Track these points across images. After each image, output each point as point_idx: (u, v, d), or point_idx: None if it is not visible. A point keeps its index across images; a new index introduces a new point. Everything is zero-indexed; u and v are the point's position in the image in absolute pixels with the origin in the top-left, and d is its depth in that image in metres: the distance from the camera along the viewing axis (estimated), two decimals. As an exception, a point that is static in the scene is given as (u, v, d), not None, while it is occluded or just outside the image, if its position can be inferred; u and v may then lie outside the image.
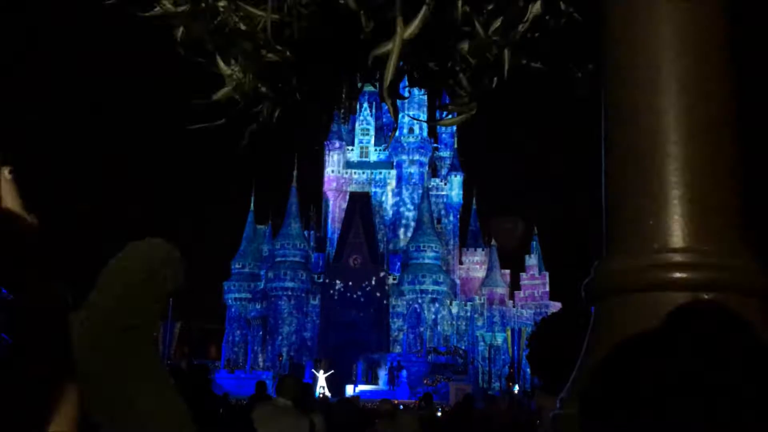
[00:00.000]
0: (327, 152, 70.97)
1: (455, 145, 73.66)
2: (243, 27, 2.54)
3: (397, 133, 69.42)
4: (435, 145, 73.66)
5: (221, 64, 2.72)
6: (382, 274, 64.17)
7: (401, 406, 20.91)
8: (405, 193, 70.00)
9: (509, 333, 54.13)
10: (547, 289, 68.44)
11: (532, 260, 69.90)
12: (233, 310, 69.27)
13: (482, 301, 66.93)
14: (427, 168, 71.17)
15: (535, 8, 2.57)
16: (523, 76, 3.34)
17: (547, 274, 69.22)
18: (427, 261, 63.86)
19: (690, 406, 2.62)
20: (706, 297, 2.88)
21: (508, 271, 69.91)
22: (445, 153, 74.38)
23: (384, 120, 72.64)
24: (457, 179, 71.56)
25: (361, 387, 52.85)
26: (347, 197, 69.15)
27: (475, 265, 70.38)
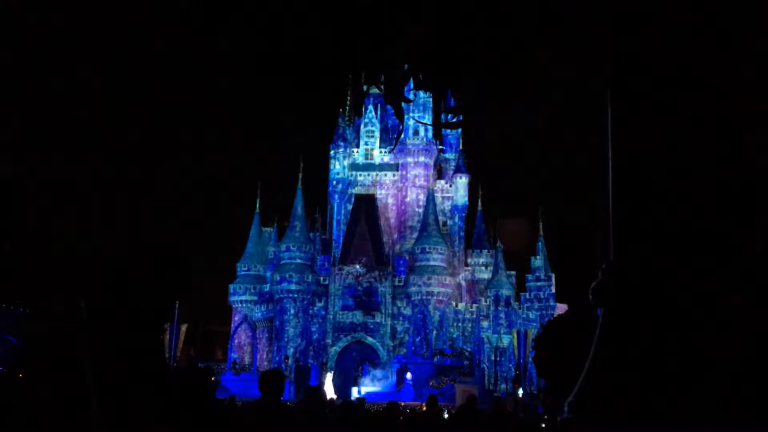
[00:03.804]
0: (332, 154, 70.99)
1: (460, 147, 73.56)
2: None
3: (402, 135, 69.43)
4: (440, 147, 73.59)
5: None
6: (387, 276, 64.10)
7: (407, 409, 20.89)
8: (410, 195, 69.94)
9: (515, 335, 53.94)
10: (553, 290, 68.21)
11: (537, 262, 69.71)
12: (239, 312, 69.30)
13: (488, 302, 66.77)
14: (432, 170, 71.10)
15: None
16: (529, 75, 3.33)
17: (553, 275, 69.01)
18: (432, 263, 63.77)
19: (695, 405, 2.62)
20: (708, 302, 2.87)
21: (513, 273, 69.71)
22: (451, 155, 74.27)
23: (389, 122, 72.59)
24: (462, 181, 71.43)
25: (367, 389, 52.78)
26: (352, 199, 69.12)
27: (480, 266, 70.18)
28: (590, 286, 3.15)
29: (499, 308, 66.47)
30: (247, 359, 66.11)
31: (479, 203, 73.26)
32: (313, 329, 64.26)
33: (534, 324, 60.41)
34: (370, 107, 71.63)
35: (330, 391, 48.64)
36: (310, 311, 64.59)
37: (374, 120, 71.95)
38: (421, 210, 67.97)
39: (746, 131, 2.81)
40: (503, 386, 58.86)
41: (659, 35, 2.90)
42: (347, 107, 73.01)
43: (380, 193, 70.39)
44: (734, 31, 2.84)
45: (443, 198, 71.19)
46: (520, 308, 67.63)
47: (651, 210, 2.93)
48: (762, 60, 2.84)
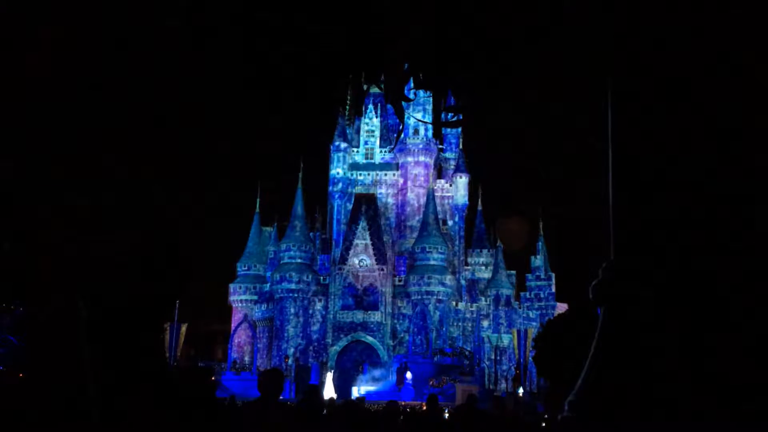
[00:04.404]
0: (332, 154, 70.98)
1: (460, 146, 73.56)
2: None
3: (402, 135, 69.40)
4: (440, 146, 73.59)
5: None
6: (387, 275, 64.12)
7: (407, 408, 20.90)
8: (410, 195, 69.95)
9: (515, 334, 53.94)
10: (553, 290, 68.26)
11: (537, 261, 69.74)
12: (239, 311, 69.32)
13: (488, 302, 66.80)
14: (432, 169, 71.10)
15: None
16: (530, 73, 3.33)
17: (553, 275, 69.05)
18: (432, 262, 63.79)
19: (695, 405, 2.62)
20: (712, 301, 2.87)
21: (513, 272, 69.76)
22: (451, 154, 74.29)
23: (389, 121, 72.60)
24: (462, 180, 71.43)
25: (367, 388, 52.80)
26: (352, 199, 69.12)
27: (480, 266, 70.18)
28: (590, 284, 3.15)
29: (500, 308, 66.50)
30: (247, 359, 66.14)
31: (479, 202, 73.28)
32: (313, 329, 64.27)
33: (534, 323, 60.45)
34: (371, 106, 71.64)
35: (330, 391, 48.63)
36: (310, 311, 64.60)
37: (374, 119, 71.96)
38: (421, 209, 67.99)
39: (746, 131, 2.81)
40: (503, 385, 58.86)
41: (659, 35, 2.91)
42: (347, 107, 72.99)
43: (380, 193, 70.38)
44: (734, 31, 2.84)
45: (443, 197, 71.19)
46: (520, 308, 67.66)
47: (651, 209, 2.93)
48: (762, 59, 2.84)
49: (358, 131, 72.64)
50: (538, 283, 68.84)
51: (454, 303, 65.99)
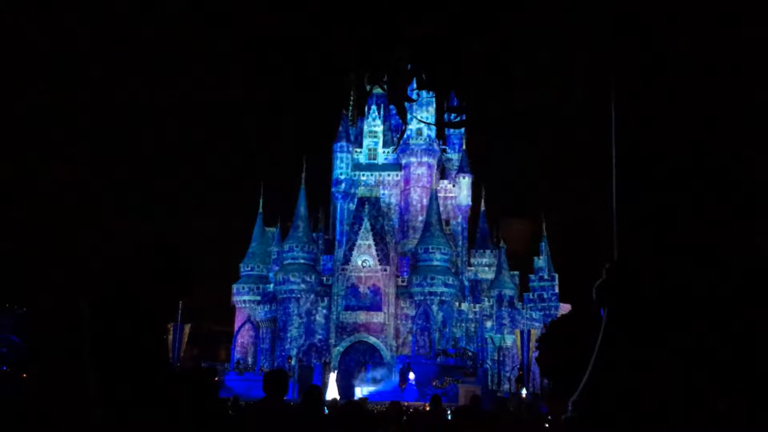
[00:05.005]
0: (335, 154, 71.00)
1: (463, 147, 73.53)
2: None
3: (405, 136, 69.41)
4: (443, 147, 73.59)
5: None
6: (390, 276, 64.11)
7: (410, 409, 20.88)
8: (413, 195, 69.95)
9: (518, 335, 53.94)
10: (556, 291, 68.20)
11: (541, 262, 69.70)
12: (242, 312, 69.37)
13: (491, 302, 66.77)
14: (435, 170, 71.09)
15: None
16: (531, 74, 3.33)
17: (556, 276, 69.00)
18: (435, 263, 63.78)
19: (698, 405, 2.61)
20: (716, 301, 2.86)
21: (516, 273, 69.72)
22: (454, 155, 74.29)
23: (392, 122, 72.61)
24: (465, 181, 71.40)
25: (370, 388, 52.81)
26: (355, 199, 69.14)
27: (483, 266, 70.17)
28: (594, 285, 3.14)
29: (503, 308, 66.47)
30: (250, 359, 66.16)
31: (482, 203, 73.24)
32: (317, 329, 64.30)
33: (537, 324, 60.41)
34: (373, 107, 71.66)
35: (333, 391, 48.67)
36: (313, 311, 64.63)
37: (377, 120, 71.98)
38: (424, 210, 67.99)
39: (749, 130, 2.81)
40: (506, 386, 58.82)
41: (659, 35, 2.90)
42: (350, 107, 72.99)
43: (383, 193, 70.39)
44: (734, 31, 2.83)
45: (446, 198, 71.18)
46: (523, 308, 67.62)
47: (654, 209, 2.92)
48: (762, 59, 2.83)
49: (360, 132, 72.65)
50: (541, 283, 68.79)
51: (457, 303, 65.96)
